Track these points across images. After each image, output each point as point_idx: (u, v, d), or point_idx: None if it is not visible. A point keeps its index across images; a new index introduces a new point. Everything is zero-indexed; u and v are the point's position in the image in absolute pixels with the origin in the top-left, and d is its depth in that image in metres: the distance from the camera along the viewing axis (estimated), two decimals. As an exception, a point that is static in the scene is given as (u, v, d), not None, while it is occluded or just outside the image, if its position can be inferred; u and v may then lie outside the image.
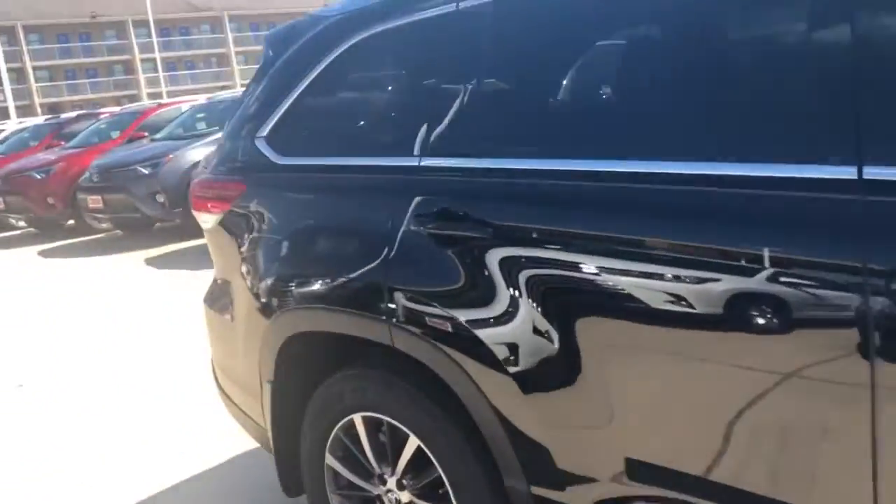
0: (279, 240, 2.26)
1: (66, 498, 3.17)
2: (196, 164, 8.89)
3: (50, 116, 14.98)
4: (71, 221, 10.94)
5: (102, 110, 14.30)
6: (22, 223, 12.00)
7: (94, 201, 9.50)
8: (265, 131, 2.38)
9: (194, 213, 2.64)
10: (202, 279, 7.06)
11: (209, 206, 2.52)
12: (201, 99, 12.08)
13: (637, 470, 1.59)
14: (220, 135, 9.79)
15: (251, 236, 2.35)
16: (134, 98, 52.76)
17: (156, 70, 55.33)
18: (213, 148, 9.35)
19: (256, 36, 64.30)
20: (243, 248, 2.38)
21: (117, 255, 8.84)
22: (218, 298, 2.60)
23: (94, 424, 3.92)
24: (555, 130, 1.75)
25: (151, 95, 51.76)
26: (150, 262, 8.18)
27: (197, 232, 9.27)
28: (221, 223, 2.49)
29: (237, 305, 2.41)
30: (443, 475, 1.94)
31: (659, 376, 1.52)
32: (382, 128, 2.10)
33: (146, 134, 10.97)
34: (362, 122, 2.20)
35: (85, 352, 5.24)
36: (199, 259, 7.97)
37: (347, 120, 2.25)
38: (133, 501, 3.08)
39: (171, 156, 9.15)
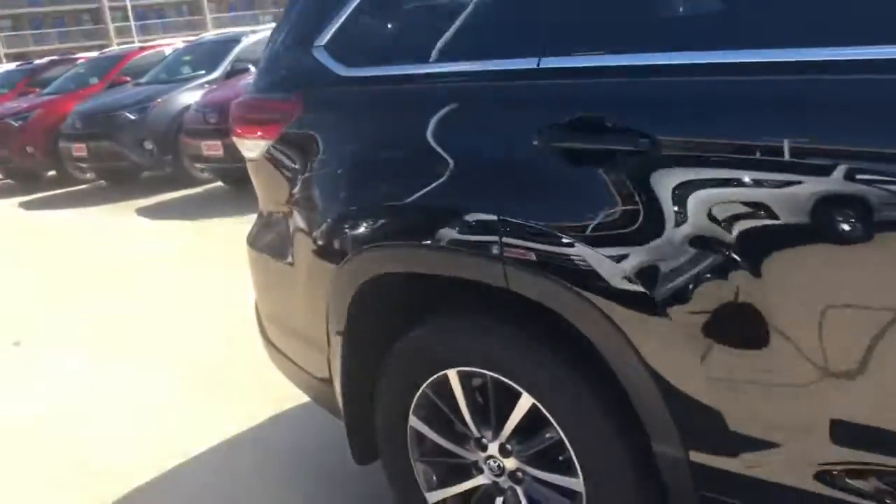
0: (351, 167, 1.90)
1: (80, 457, 2.86)
2: (186, 108, 8.44)
3: (22, 62, 14.27)
4: (52, 171, 10.41)
5: (79, 55, 13.62)
6: (-2, 175, 11.46)
7: (77, 150, 9.00)
8: (324, 39, 2.01)
9: (235, 139, 2.27)
10: (204, 229, 6.71)
11: (256, 130, 2.15)
12: (179, 43, 11.50)
13: (846, 432, 1.29)
14: (209, 78, 9.30)
15: (314, 164, 1.99)
16: (104, 48, 51.17)
17: (126, 19, 53.65)
18: (202, 92, 8.85)
19: (229, -18, 62.41)
20: (303, 179, 2.03)
21: (106, 205, 8.38)
22: (268, 239, 2.26)
23: (99, 380, 3.60)
24: (734, 11, 1.40)
25: (121, 44, 50.17)
26: (142, 212, 7.75)
27: (188, 181, 8.86)
28: (272, 150, 2.12)
29: (297, 246, 2.06)
30: (565, 439, 1.64)
31: (880, 318, 1.21)
32: (483, 25, 1.74)
33: (128, 79, 10.41)
34: (455, 20, 1.83)
35: (83, 306, 4.87)
36: (195, 208, 7.58)
37: (433, 18, 1.88)
38: (151, 469, 2.77)
39: (159, 100, 8.65)
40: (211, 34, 11.20)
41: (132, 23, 51.39)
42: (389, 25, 1.95)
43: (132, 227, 7.16)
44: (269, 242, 2.25)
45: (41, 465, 2.92)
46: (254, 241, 2.35)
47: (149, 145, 8.55)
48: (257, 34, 10.00)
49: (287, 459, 2.72)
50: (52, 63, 12.80)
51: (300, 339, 2.20)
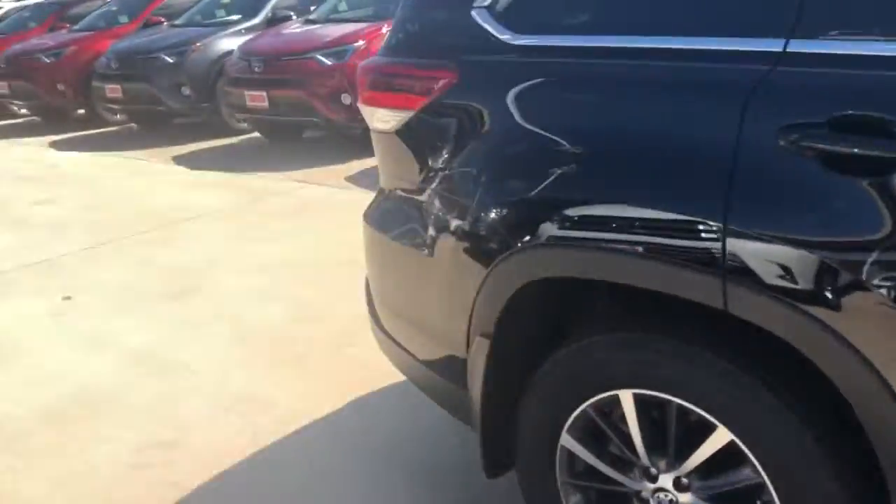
0: (520, 149, 1.66)
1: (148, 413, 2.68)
2: (226, 55, 8.13)
3: (51, -5, 13.87)
4: (81, 111, 10.14)
5: (110, -8, 13.22)
6: (24, 111, 11.16)
7: (112, 90, 8.71)
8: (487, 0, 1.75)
9: (364, 107, 2.03)
10: (247, 183, 6.46)
11: (396, 98, 1.90)
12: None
13: None
14: (249, 24, 8.98)
15: (468, 142, 1.75)
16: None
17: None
18: (245, 38, 8.52)
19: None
20: (452, 158, 1.79)
21: (141, 150, 8.12)
22: (394, 219, 2.02)
23: (157, 344, 3.41)
24: None
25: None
26: (180, 160, 7.49)
27: (224, 130, 8.60)
28: (412, 122, 1.88)
29: (438, 233, 1.83)
30: (770, 487, 1.42)
31: None
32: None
33: (163, 19, 10.07)
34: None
35: (132, 259, 4.67)
36: (234, 160, 7.35)
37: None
38: (230, 445, 2.58)
39: (198, 44, 8.33)
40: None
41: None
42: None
43: (172, 176, 6.91)
44: (396, 224, 2.02)
45: (118, 438, 2.73)
46: (374, 219, 2.12)
47: (186, 91, 8.25)
48: (299, -19, 9.67)
49: (374, 451, 2.52)
50: (83, -2, 12.41)
51: (426, 333, 1.98)
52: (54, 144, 8.88)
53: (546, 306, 1.72)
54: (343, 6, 8.57)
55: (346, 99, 6.79)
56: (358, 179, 6.15)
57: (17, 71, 9.88)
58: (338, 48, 6.88)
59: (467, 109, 1.77)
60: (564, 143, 1.58)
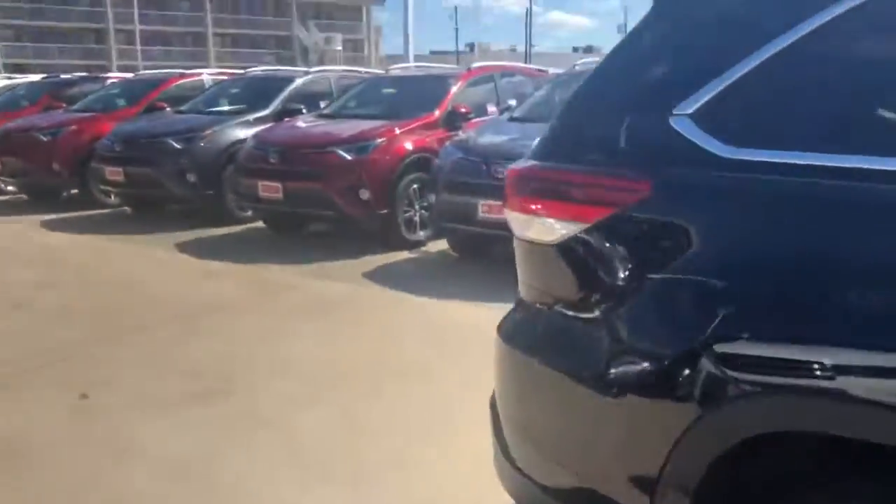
0: (739, 280, 1.46)
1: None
2: (238, 143, 7.99)
3: (48, 75, 13.76)
4: (74, 191, 9.84)
5: (109, 75, 13.17)
6: (11, 188, 10.80)
7: (113, 173, 8.45)
8: (690, 107, 1.60)
9: (518, 215, 1.83)
10: (256, 274, 6.24)
11: (568, 209, 1.71)
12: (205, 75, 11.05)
13: None
14: (259, 114, 8.89)
15: (661, 264, 1.56)
16: (104, 69, 50.49)
17: (130, 42, 53.46)
18: (255, 128, 8.41)
19: (234, 19, 62.42)
20: (641, 282, 1.59)
21: (139, 235, 7.79)
22: (545, 341, 1.80)
23: (186, 442, 3.06)
24: None
25: (122, 68, 49.61)
26: (184, 248, 7.19)
27: (222, 219, 8.31)
28: (584, 236, 1.68)
29: (618, 369, 1.60)
30: None
31: None
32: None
33: (166, 105, 9.95)
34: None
35: (147, 353, 4.34)
36: (239, 250, 7.11)
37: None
38: None
39: (208, 131, 8.19)
40: (258, 70, 10.84)
41: (138, 47, 51.13)
42: (810, 97, 1.52)
43: (178, 265, 6.62)
44: (547, 345, 1.80)
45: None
46: (514, 335, 1.89)
47: (192, 177, 8.04)
48: (309, 75, 9.70)
49: None
50: (82, 80, 12.33)
51: (581, 476, 1.73)
52: (46, 224, 8.53)
53: (765, 461, 1.49)
54: (353, 103, 8.56)
55: (364, 194, 6.66)
56: (376, 277, 5.93)
57: (10, 148, 9.61)
58: (359, 143, 6.79)
59: (663, 226, 1.59)
60: (801, 275, 1.40)
